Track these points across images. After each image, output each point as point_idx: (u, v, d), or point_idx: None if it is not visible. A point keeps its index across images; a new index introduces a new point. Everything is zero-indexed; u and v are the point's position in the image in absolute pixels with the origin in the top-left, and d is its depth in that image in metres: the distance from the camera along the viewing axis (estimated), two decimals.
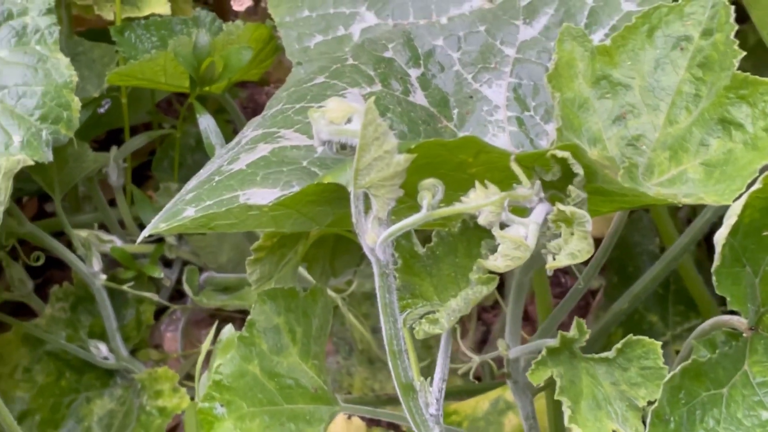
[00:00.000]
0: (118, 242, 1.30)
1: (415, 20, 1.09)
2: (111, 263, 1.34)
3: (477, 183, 0.66)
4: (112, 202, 1.38)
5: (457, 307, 0.68)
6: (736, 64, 0.77)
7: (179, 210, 0.77)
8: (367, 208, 0.67)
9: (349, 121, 0.68)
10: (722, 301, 1.28)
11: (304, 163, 0.79)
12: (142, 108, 1.41)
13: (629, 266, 1.28)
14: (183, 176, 1.41)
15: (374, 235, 0.66)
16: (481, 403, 1.10)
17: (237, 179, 0.78)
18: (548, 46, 0.92)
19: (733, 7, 0.80)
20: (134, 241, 1.33)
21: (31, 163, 1.00)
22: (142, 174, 1.51)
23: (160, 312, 1.39)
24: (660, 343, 0.73)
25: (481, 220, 0.66)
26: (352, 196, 0.66)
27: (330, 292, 1.33)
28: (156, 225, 0.76)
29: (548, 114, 0.90)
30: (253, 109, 1.61)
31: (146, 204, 1.30)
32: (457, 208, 0.63)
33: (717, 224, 1.10)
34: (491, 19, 0.96)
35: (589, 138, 0.81)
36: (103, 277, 1.26)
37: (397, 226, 0.65)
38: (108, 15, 1.24)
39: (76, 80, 1.06)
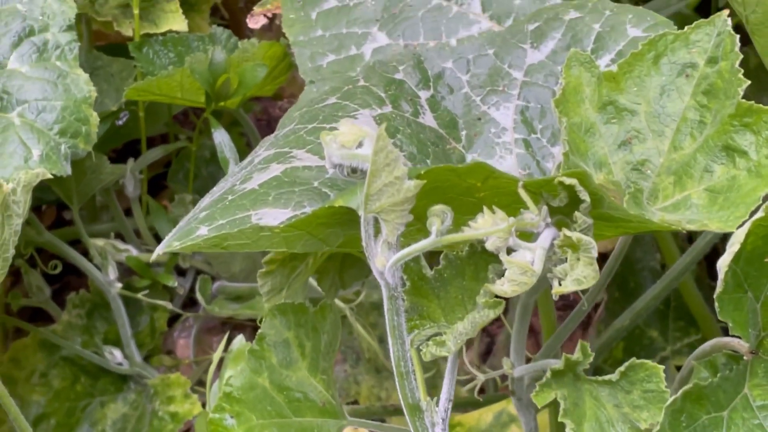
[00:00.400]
0: (134, 251, 1.29)
1: (425, 41, 1.08)
2: (126, 271, 1.33)
3: (485, 208, 0.65)
4: (128, 211, 1.37)
5: (464, 330, 0.66)
6: (741, 93, 0.76)
7: (192, 228, 0.76)
8: (377, 231, 0.66)
9: (360, 145, 0.67)
10: None
11: (316, 184, 0.78)
12: (159, 120, 1.40)
13: (631, 282, 1.26)
14: (197, 187, 1.40)
15: (383, 259, 0.65)
16: (485, 416, 1.08)
17: (249, 199, 0.77)
18: (555, 70, 0.91)
19: (737, 36, 0.79)
20: (150, 250, 1.32)
21: (50, 176, 0.99)
22: (157, 183, 1.50)
23: (173, 319, 1.38)
24: (662, 367, 0.71)
25: (489, 245, 0.64)
26: (362, 221, 0.65)
27: (338, 302, 1.32)
28: (170, 243, 0.75)
29: (555, 137, 0.89)
30: (267, 121, 1.60)
31: (161, 215, 1.29)
32: (465, 235, 0.62)
33: (718, 244, 1.09)
34: (500, 43, 0.94)
35: (595, 162, 0.80)
36: (119, 285, 1.26)
37: (406, 251, 0.64)
38: (127, 31, 1.23)
39: (95, 95, 1.05)
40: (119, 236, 1.34)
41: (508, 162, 0.88)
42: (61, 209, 1.49)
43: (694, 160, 0.78)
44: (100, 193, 1.32)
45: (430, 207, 0.67)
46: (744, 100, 0.75)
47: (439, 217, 0.62)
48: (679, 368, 1.22)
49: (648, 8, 1.27)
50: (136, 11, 1.20)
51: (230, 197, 0.79)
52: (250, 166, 0.84)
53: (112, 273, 1.25)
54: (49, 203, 1.45)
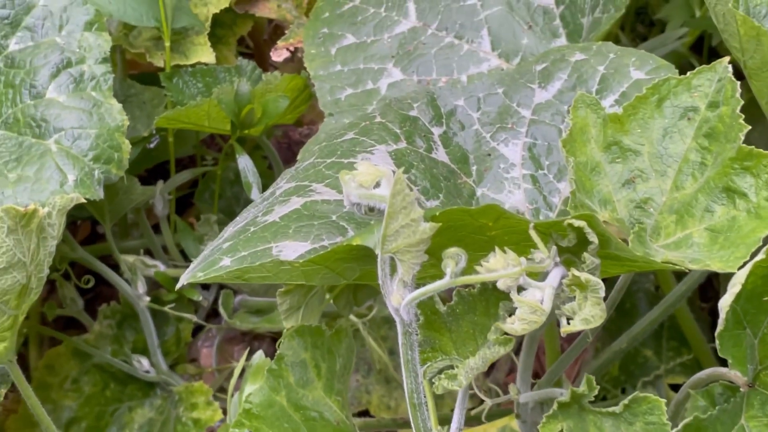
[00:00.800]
0: (162, 267, 1.26)
1: (438, 77, 1.05)
2: (154, 284, 1.30)
3: (497, 249, 0.62)
4: (157, 227, 1.34)
5: (475, 366, 0.63)
6: (742, 138, 0.72)
7: (216, 259, 0.72)
8: (393, 269, 0.63)
9: (377, 185, 0.64)
10: (713, 338, 1.23)
11: (334, 218, 0.75)
12: (187, 143, 1.37)
13: (627, 303, 1.23)
14: (222, 206, 1.37)
15: (399, 297, 0.61)
16: (489, 430, 1.05)
17: (271, 231, 0.74)
18: (561, 109, 0.88)
19: (738, 83, 0.75)
20: (176, 266, 1.29)
21: (84, 201, 0.95)
22: (185, 201, 1.47)
23: (197, 329, 1.35)
24: (664, 401, 0.68)
25: (500, 285, 0.61)
26: (379, 260, 0.61)
27: (352, 317, 1.29)
28: (194, 273, 0.72)
29: (561, 172, 0.85)
30: (287, 144, 1.57)
31: (188, 233, 1.26)
32: (478, 277, 0.58)
33: (712, 274, 1.05)
34: (509, 82, 0.91)
35: (600, 200, 0.76)
36: (147, 299, 1.23)
37: (421, 291, 0.60)
38: (158, 62, 1.20)
39: (127, 124, 1.02)
40: (148, 252, 1.30)
41: (516, 196, 0.84)
42: (95, 224, 1.46)
43: (696, 200, 0.74)
44: (131, 211, 1.29)
45: (444, 245, 0.63)
46: (744, 145, 0.72)
47: (453, 260, 0.59)
48: (672, 386, 1.18)
49: (646, 47, 1.24)
50: (167, 44, 1.17)
51: (252, 229, 0.75)
52: (271, 198, 0.81)
53: (141, 287, 1.22)
54: (83, 219, 1.42)
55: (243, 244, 0.73)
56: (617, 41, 1.38)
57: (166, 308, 1.24)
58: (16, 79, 1.03)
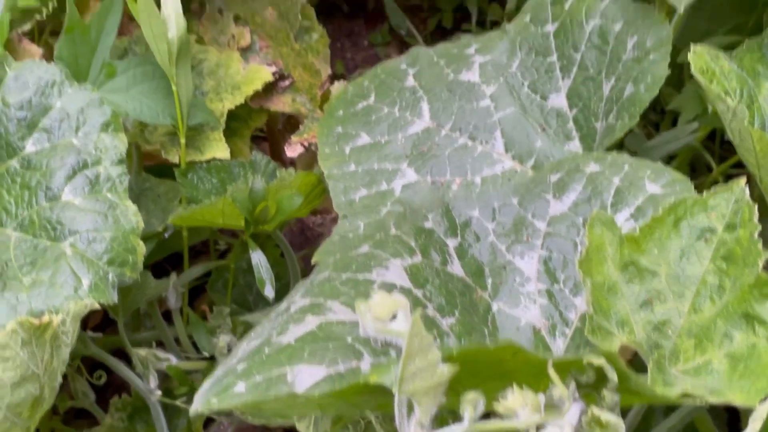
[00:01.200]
0: (173, 360, 1.25)
1: (452, 178, 1.05)
2: (166, 375, 1.29)
3: (515, 386, 0.61)
4: (168, 314, 1.33)
5: None
6: (761, 265, 0.71)
7: (230, 383, 0.72)
8: (409, 408, 0.62)
9: (394, 317, 0.63)
10: None
11: (349, 340, 0.74)
12: (201, 233, 1.37)
13: None
14: (235, 295, 1.37)
15: None
16: None
17: (286, 354, 0.73)
18: (577, 222, 0.87)
19: (756, 206, 0.75)
20: (189, 358, 1.28)
21: (98, 307, 0.95)
22: (198, 287, 1.47)
23: (209, 421, 1.33)
24: None
25: (519, 426, 0.60)
26: (396, 401, 0.60)
27: None
28: (208, 399, 0.71)
29: (576, 287, 0.85)
30: (300, 229, 1.57)
31: (200, 326, 1.25)
32: (497, 425, 0.57)
33: None
34: (524, 192, 0.91)
35: (618, 321, 0.76)
36: (159, 393, 1.21)
37: None
38: (174, 158, 1.20)
39: (142, 227, 1.02)
40: (160, 344, 1.30)
41: (532, 312, 0.84)
42: (107, 310, 1.46)
43: (714, 324, 0.73)
44: (144, 304, 1.28)
45: (461, 378, 0.62)
46: (764, 273, 0.71)
47: (471, 404, 0.58)
48: None
49: (660, 141, 1.24)
50: (182, 140, 1.18)
51: (267, 350, 0.75)
52: (286, 315, 0.80)
53: (153, 382, 1.21)
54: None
55: (257, 368, 0.72)
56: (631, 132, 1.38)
57: (178, 402, 1.23)
58: (32, 181, 1.04)
